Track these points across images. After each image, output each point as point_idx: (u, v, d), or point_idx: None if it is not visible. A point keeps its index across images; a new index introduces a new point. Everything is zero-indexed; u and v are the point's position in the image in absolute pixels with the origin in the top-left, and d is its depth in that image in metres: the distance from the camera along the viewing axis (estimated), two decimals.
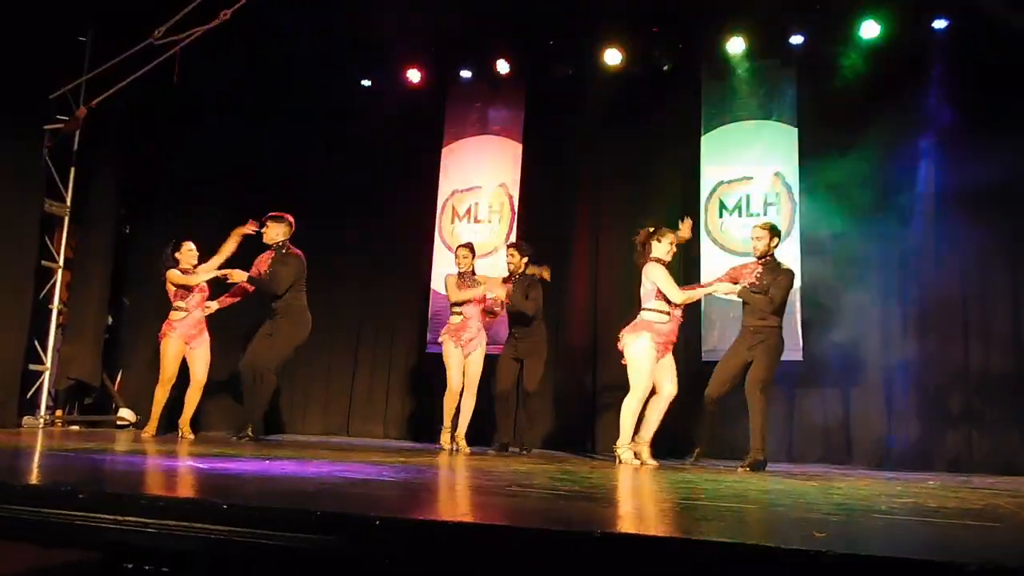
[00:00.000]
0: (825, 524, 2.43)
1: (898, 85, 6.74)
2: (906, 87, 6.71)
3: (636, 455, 5.36)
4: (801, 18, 6.96)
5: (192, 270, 6.42)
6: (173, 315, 6.44)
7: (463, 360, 6.36)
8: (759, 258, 5.69)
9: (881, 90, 6.73)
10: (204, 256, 6.51)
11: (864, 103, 6.74)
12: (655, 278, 5.37)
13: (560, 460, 5.82)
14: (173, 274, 6.37)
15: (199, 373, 6.43)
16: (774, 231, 5.68)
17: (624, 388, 6.61)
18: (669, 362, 5.48)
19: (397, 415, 8.09)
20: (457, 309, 6.42)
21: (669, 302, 5.40)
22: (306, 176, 8.17)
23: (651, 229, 5.54)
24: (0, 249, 6.51)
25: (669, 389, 5.47)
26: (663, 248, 5.46)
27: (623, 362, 5.47)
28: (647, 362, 5.31)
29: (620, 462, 5.31)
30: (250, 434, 6.17)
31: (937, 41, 6.65)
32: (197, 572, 2.17)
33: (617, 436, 5.47)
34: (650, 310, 5.41)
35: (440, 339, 6.55)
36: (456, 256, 6.57)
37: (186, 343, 6.40)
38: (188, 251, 6.45)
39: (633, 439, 5.39)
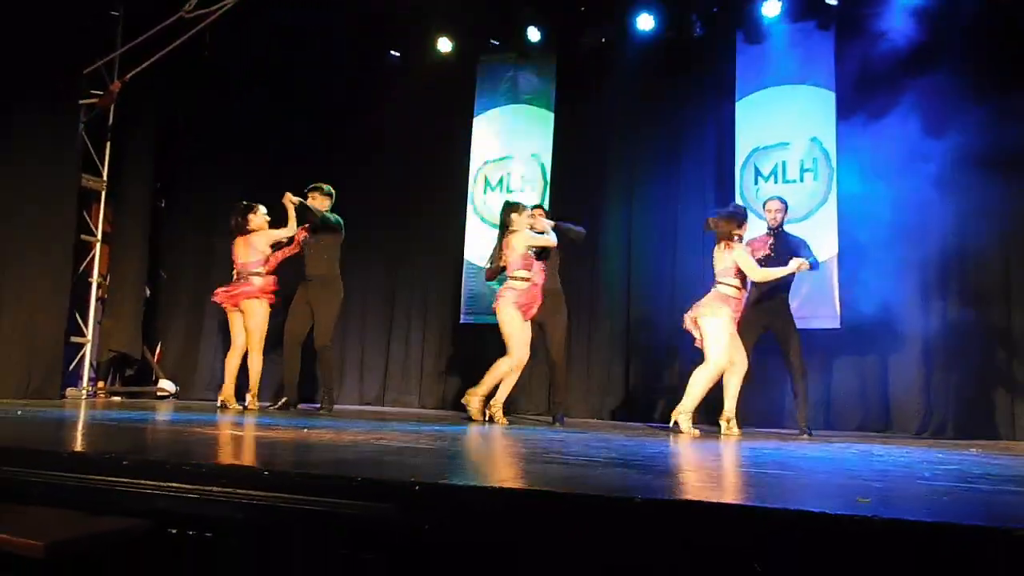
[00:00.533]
0: (868, 490, 2.40)
1: (938, 46, 6.55)
2: (946, 48, 6.53)
3: (728, 424, 5.44)
4: None
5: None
6: (268, 282, 6.28)
7: (529, 328, 5.89)
8: (772, 230, 5.95)
9: (920, 51, 6.54)
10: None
11: (903, 65, 6.57)
12: (738, 257, 5.44)
13: (595, 428, 5.83)
14: (271, 233, 6.29)
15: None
16: (787, 205, 6.04)
17: (659, 355, 6.63)
18: (736, 336, 5.53)
19: (431, 385, 8.14)
20: (525, 274, 5.87)
21: (743, 280, 5.47)
22: (336, 148, 8.18)
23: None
24: (40, 224, 6.62)
25: (744, 361, 5.54)
26: (744, 232, 5.65)
27: (696, 334, 5.47)
28: (726, 335, 5.35)
29: (679, 431, 5.28)
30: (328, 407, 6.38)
31: (978, 1, 6.45)
32: (240, 537, 2.19)
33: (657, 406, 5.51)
34: (728, 284, 5.45)
35: (498, 306, 5.87)
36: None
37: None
38: (262, 215, 6.32)
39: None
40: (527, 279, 5.84)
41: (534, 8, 7.64)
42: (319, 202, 6.37)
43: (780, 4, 6.94)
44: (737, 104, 7.17)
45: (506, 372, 5.83)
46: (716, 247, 5.55)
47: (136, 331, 7.64)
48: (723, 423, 5.42)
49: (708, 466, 3.06)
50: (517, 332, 5.77)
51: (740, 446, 4.39)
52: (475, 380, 8.02)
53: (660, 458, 3.37)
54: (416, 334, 8.23)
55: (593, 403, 7.46)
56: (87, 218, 7.45)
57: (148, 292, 7.98)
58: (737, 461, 3.33)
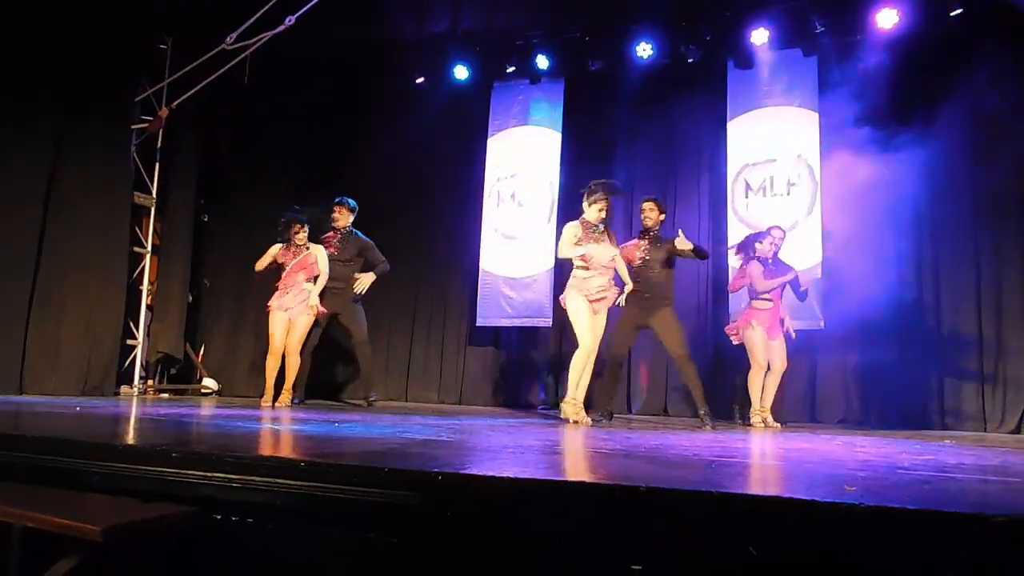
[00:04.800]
0: (853, 480, 2.38)
1: (915, 71, 6.54)
2: (922, 73, 6.53)
3: (764, 421, 5.63)
4: (821, 8, 6.77)
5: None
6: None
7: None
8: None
9: (898, 76, 6.53)
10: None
11: (881, 87, 6.55)
12: (752, 273, 5.72)
13: (602, 423, 5.80)
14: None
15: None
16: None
17: (659, 354, 6.62)
18: (779, 343, 5.71)
19: (449, 382, 8.14)
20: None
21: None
22: (365, 165, 8.20)
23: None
24: (97, 237, 6.67)
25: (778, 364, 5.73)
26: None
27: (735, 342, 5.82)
28: (760, 343, 5.65)
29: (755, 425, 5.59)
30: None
31: (951, 27, 6.42)
32: (279, 522, 2.19)
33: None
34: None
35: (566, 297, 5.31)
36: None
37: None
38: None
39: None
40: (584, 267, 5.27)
41: (543, 38, 7.65)
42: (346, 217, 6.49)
43: (767, 32, 6.92)
44: (728, 124, 7.15)
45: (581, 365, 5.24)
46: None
47: (179, 333, 7.66)
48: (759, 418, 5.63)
49: (705, 457, 3.04)
50: (582, 322, 5.20)
51: (731, 439, 4.36)
52: (489, 377, 8.07)
53: (663, 449, 3.35)
54: (436, 336, 8.24)
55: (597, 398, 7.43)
56: (138, 232, 7.48)
57: (191, 298, 7.99)
58: (731, 453, 3.31)
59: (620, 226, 7.58)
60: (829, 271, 6.55)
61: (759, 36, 6.93)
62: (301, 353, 6.20)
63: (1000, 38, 6.15)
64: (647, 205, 5.84)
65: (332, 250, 6.42)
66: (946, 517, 1.65)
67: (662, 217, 5.86)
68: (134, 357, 7.42)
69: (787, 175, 6.85)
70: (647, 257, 5.70)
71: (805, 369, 6.58)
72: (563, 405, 5.24)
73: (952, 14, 6.35)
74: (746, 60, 7.13)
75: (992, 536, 1.57)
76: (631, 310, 5.55)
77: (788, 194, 6.83)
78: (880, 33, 6.58)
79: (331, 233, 6.56)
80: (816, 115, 6.81)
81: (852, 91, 6.64)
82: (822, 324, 6.43)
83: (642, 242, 5.79)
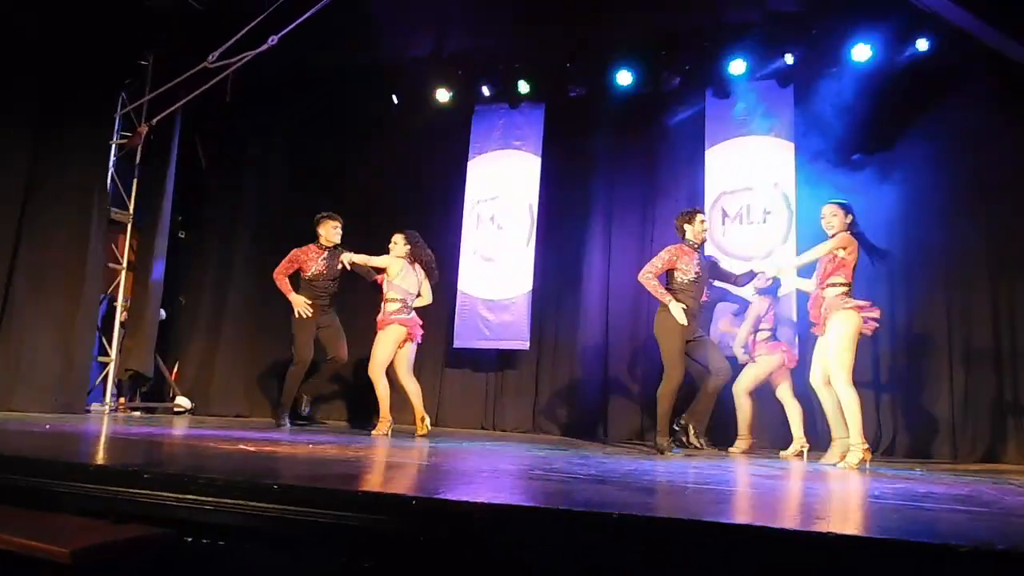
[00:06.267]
0: (824, 509, 2.41)
1: (889, 103, 6.69)
2: (896, 105, 6.67)
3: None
4: (797, 43, 6.92)
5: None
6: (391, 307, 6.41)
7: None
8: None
9: (872, 107, 6.67)
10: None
11: (855, 119, 6.69)
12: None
13: (577, 446, 5.81)
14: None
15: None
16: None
17: (634, 379, 6.60)
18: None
19: (426, 404, 8.06)
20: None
21: None
22: (343, 187, 8.20)
23: None
24: (72, 252, 6.60)
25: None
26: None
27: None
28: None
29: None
30: None
31: (922, 60, 6.59)
32: (251, 546, 2.18)
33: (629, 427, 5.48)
34: None
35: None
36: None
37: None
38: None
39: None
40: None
41: (524, 64, 7.73)
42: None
43: (745, 63, 7.05)
44: (707, 152, 7.24)
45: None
46: None
47: (149, 351, 7.56)
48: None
49: (680, 484, 3.06)
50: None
51: (705, 465, 4.39)
52: (466, 400, 8.03)
53: (636, 475, 3.37)
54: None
55: (574, 422, 7.44)
56: (114, 248, 7.42)
57: (164, 316, 7.90)
58: (705, 480, 3.33)
59: (599, 250, 7.66)
60: (803, 300, 6.61)
61: (737, 67, 7.06)
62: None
63: (972, 70, 6.31)
64: (702, 218, 5.61)
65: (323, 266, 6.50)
66: (913, 547, 1.68)
67: None
68: (106, 374, 7.33)
69: (763, 203, 6.94)
70: (699, 272, 5.51)
71: (776, 398, 6.62)
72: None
73: (920, 46, 6.50)
74: (724, 90, 7.24)
75: (958, 567, 1.60)
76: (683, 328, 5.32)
77: (764, 222, 6.91)
78: (855, 66, 6.73)
79: (318, 248, 6.52)
80: (792, 145, 6.92)
81: (828, 122, 6.77)
82: (796, 353, 6.49)
83: (696, 254, 5.56)
